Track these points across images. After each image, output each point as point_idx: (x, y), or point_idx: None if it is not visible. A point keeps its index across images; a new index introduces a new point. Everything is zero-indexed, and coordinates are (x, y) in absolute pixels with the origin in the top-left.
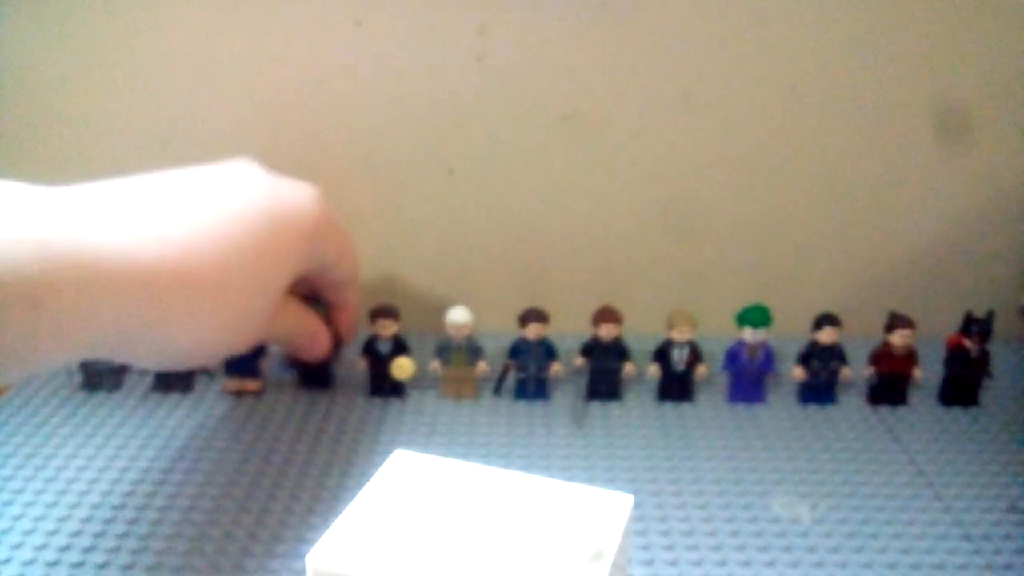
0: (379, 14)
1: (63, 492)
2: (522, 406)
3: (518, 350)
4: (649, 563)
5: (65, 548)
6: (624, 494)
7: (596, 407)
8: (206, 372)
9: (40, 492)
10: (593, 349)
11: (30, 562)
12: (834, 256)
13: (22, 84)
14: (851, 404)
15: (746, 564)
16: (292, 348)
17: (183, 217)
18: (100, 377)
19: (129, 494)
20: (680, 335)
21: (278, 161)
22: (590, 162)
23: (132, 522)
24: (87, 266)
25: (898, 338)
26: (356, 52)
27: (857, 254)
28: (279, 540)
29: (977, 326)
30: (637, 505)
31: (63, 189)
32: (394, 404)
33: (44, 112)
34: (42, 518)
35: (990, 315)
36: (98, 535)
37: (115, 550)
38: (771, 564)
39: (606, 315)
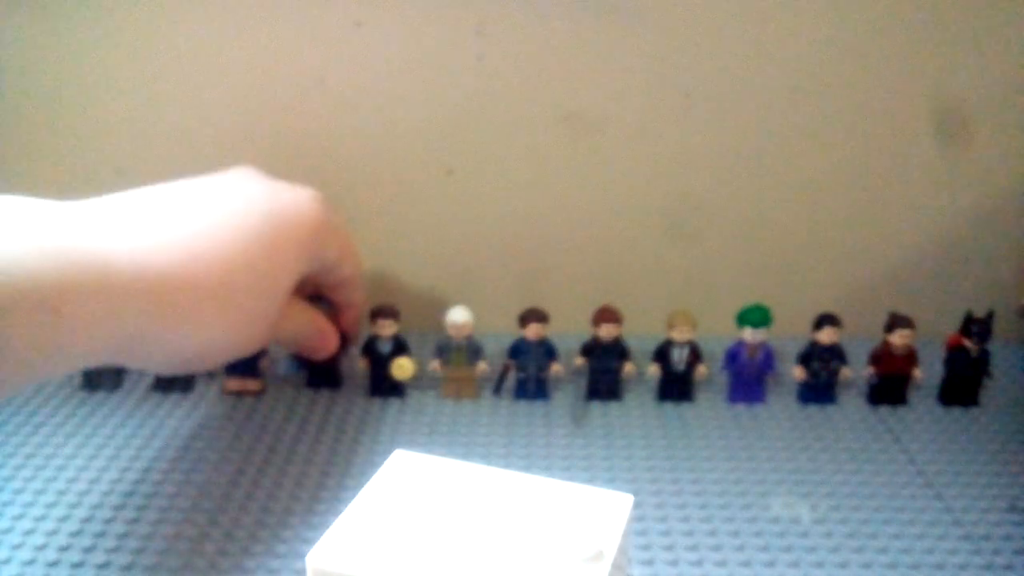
0: (379, 14)
1: (63, 492)
2: (522, 406)
3: (518, 350)
4: (649, 563)
5: (65, 548)
6: (624, 494)
7: (596, 407)
8: (206, 372)
9: (40, 492)
10: (593, 349)
11: (30, 562)
12: (834, 256)
13: (22, 84)
14: (851, 404)
15: (746, 564)
16: (301, 348)
17: (189, 224)
18: (100, 377)
19: (129, 494)
20: (680, 335)
21: (278, 161)
22: (590, 162)
23: (132, 522)
24: (101, 273)
25: (898, 338)
26: (356, 52)
27: (857, 254)
28: (279, 540)
29: (977, 326)
30: (637, 505)
31: (77, 202)
32: (394, 404)
33: (44, 112)
34: (42, 518)
35: (990, 315)
36: (98, 535)
37: (115, 550)
38: (771, 564)
39: (606, 315)
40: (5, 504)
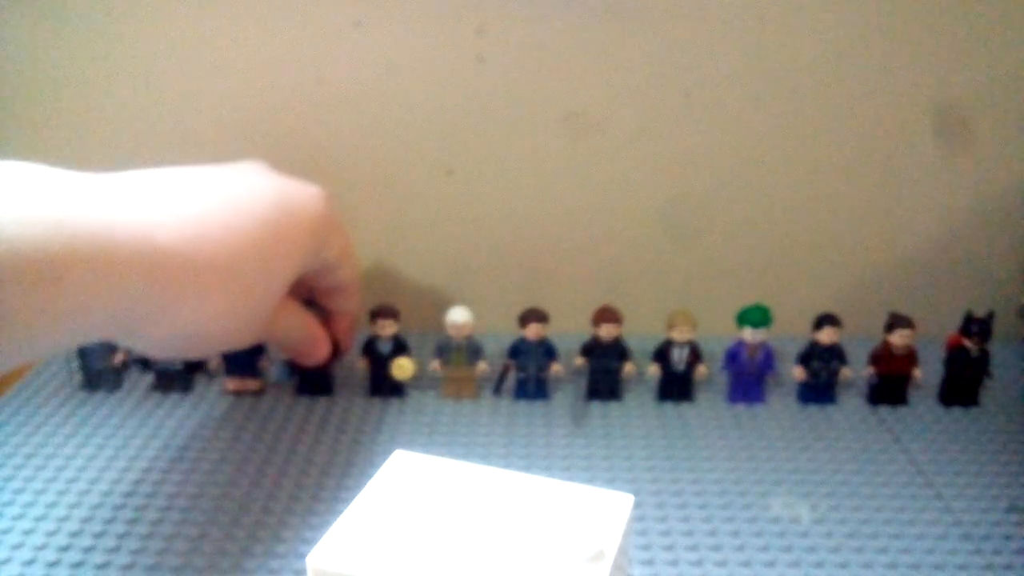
0: (379, 14)
1: (63, 492)
2: (522, 406)
3: (518, 350)
4: (649, 563)
5: (65, 548)
6: (624, 494)
7: (596, 407)
8: (206, 372)
9: (40, 492)
10: (593, 349)
11: (30, 562)
12: (834, 256)
13: (22, 84)
14: (851, 404)
15: (746, 564)
16: (291, 351)
17: (195, 203)
18: (100, 377)
19: (129, 494)
20: (680, 335)
21: (278, 161)
22: (590, 162)
23: (132, 522)
24: (105, 244)
25: (898, 338)
26: (356, 52)
27: (857, 254)
28: (279, 540)
29: (977, 326)
30: (637, 505)
31: (86, 174)
32: (394, 404)
33: (44, 112)
34: (42, 518)
35: (990, 315)
36: (98, 535)
37: (115, 550)
38: (771, 564)
39: (606, 315)
40: (5, 504)
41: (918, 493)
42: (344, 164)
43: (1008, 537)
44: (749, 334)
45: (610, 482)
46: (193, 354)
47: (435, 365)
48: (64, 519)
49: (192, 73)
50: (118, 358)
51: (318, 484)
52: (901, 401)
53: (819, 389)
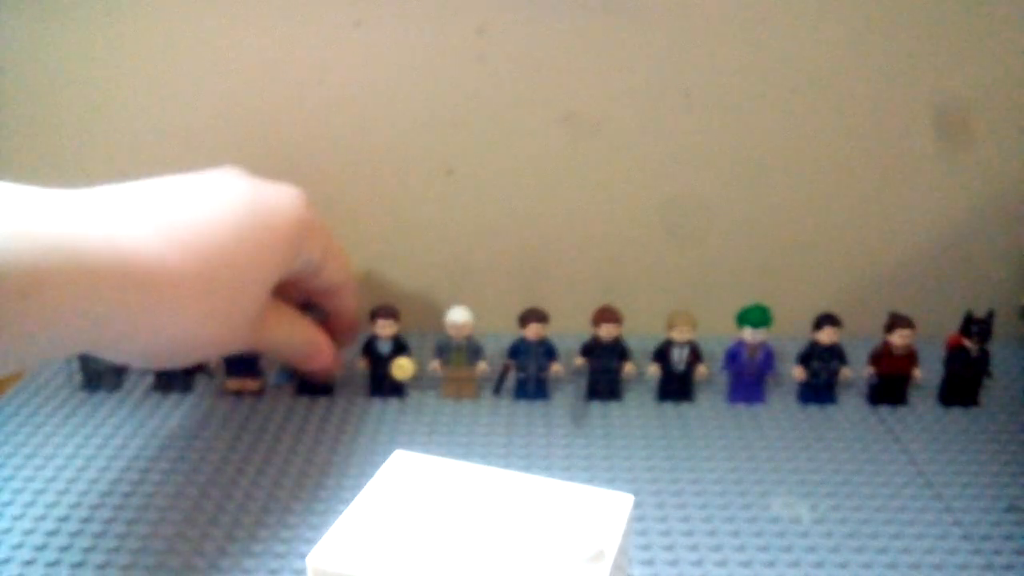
0: (379, 14)
1: (63, 492)
2: (522, 406)
3: (518, 350)
4: (649, 563)
5: (65, 548)
6: (624, 494)
7: (596, 407)
8: (206, 372)
9: (40, 492)
10: (593, 349)
11: (30, 562)
12: (834, 256)
13: (21, 85)
14: (851, 404)
15: (746, 564)
16: (292, 359)
17: (167, 213)
18: (100, 377)
19: (129, 494)
20: (680, 335)
21: (277, 161)
22: (590, 162)
23: (132, 522)
24: (75, 258)
25: (898, 338)
26: (356, 52)
27: (857, 254)
28: (279, 540)
29: (977, 326)
30: (637, 505)
31: (54, 190)
32: (394, 404)
33: (42, 112)
34: (42, 518)
35: (990, 315)
36: (98, 535)
37: (115, 550)
38: (771, 564)
39: (606, 315)
40: (5, 504)
41: (918, 493)
42: (344, 164)
43: (1008, 537)
44: (749, 334)
45: (610, 482)
46: (176, 363)
47: (435, 365)
48: (64, 519)
49: (191, 73)
50: None
51: (318, 484)
52: (901, 401)
53: (819, 389)
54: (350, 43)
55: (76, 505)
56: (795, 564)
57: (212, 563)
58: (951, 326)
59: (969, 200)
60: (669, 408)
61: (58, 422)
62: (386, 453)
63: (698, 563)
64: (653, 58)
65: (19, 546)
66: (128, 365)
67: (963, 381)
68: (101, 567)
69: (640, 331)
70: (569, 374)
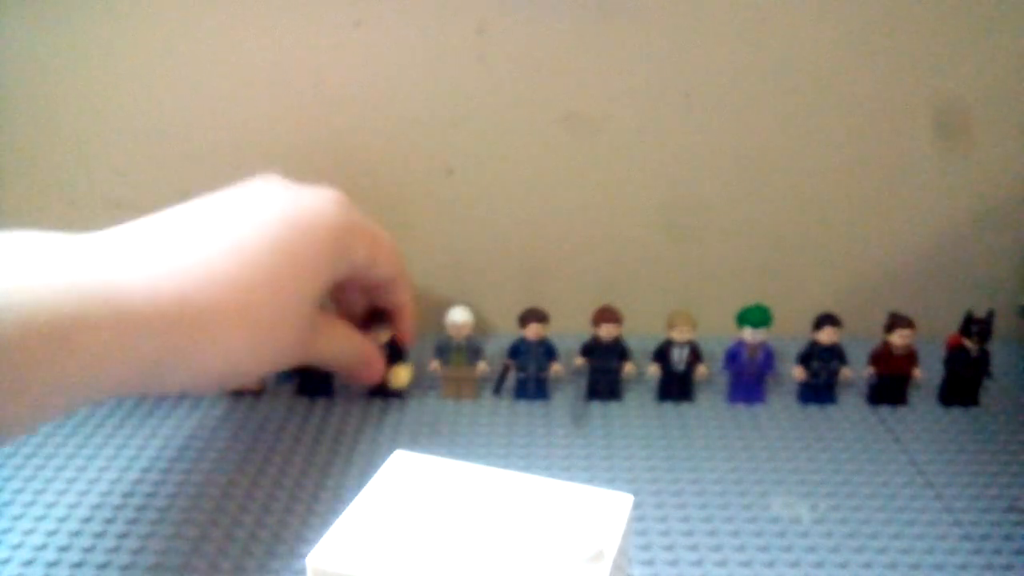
0: (379, 14)
1: (63, 492)
2: (522, 406)
3: (518, 350)
4: (649, 563)
5: (65, 548)
6: (624, 494)
7: (596, 407)
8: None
9: (40, 492)
10: (593, 349)
11: (30, 562)
12: (834, 256)
13: (21, 85)
14: (851, 404)
15: (746, 564)
16: (344, 371)
17: (201, 247)
18: None
19: (129, 494)
20: (680, 335)
21: (277, 161)
22: (590, 162)
23: (132, 522)
24: (113, 303)
25: (898, 338)
26: (356, 52)
27: (857, 254)
28: (279, 540)
29: (977, 326)
30: (637, 505)
31: (87, 235)
32: (394, 404)
33: (44, 115)
34: (42, 518)
35: (990, 315)
36: (98, 535)
37: (115, 550)
38: (771, 564)
39: (606, 315)
40: (5, 504)
41: (918, 493)
42: (344, 164)
43: (1008, 537)
44: (749, 334)
45: (610, 482)
46: (229, 385)
47: (435, 365)
48: (64, 519)
49: (191, 73)
50: None
51: (318, 484)
52: (901, 401)
53: (819, 389)
54: (350, 43)
55: (76, 505)
56: (795, 564)
57: (212, 563)
58: (951, 326)
59: (969, 200)
60: (669, 408)
61: (58, 422)
62: (386, 453)
63: (698, 563)
64: (653, 58)
65: (19, 546)
66: (176, 395)
67: (963, 381)
68: (101, 567)
69: (640, 331)
70: (569, 374)
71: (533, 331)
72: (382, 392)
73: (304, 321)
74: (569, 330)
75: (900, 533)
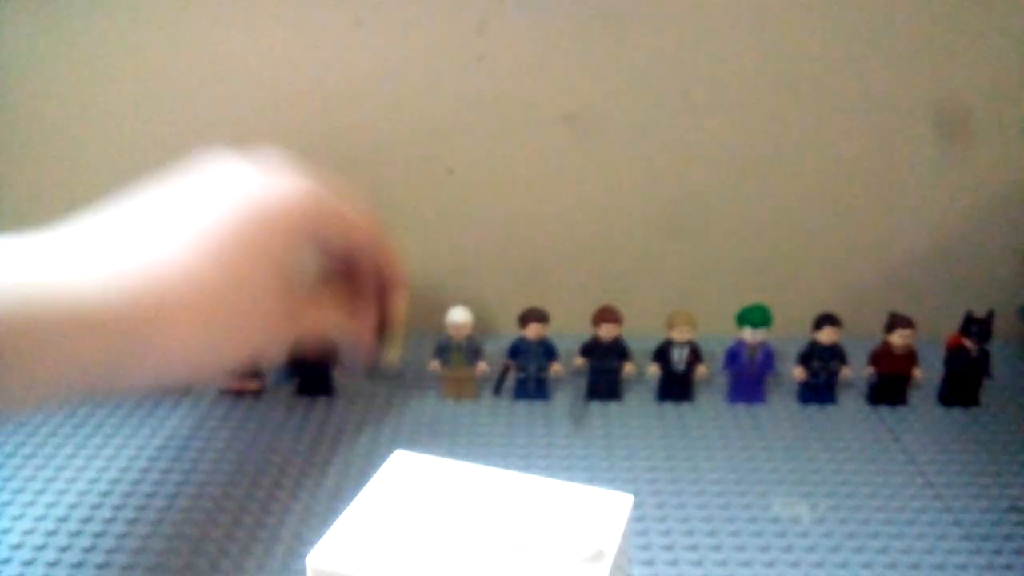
0: (379, 14)
1: (63, 492)
2: (522, 406)
3: (518, 350)
4: (649, 563)
5: (65, 548)
6: (624, 494)
7: (596, 407)
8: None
9: (40, 492)
10: (593, 349)
11: (30, 562)
12: (834, 256)
13: (21, 86)
14: (851, 404)
15: (746, 564)
16: (336, 350)
17: (157, 244)
18: None
19: (129, 494)
20: (680, 335)
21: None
22: (590, 162)
23: (132, 522)
24: (60, 306)
25: (898, 338)
26: (356, 52)
27: (857, 254)
28: (279, 540)
29: (977, 326)
30: (637, 505)
31: (30, 236)
32: (394, 404)
33: (43, 113)
34: (42, 518)
35: (990, 315)
36: (98, 535)
37: (115, 550)
38: (771, 564)
39: (606, 315)
40: (5, 504)
41: (918, 493)
42: (344, 164)
43: (1008, 537)
44: (749, 334)
45: (610, 482)
46: (197, 381)
47: (435, 365)
48: (64, 519)
49: (191, 72)
50: None
51: (318, 484)
52: (901, 401)
53: (819, 389)
54: (351, 43)
55: (76, 505)
56: (795, 564)
57: (212, 563)
58: (951, 326)
59: (969, 200)
60: (669, 408)
61: (58, 422)
62: (386, 453)
63: (698, 563)
64: (652, 58)
65: (19, 546)
66: (143, 394)
67: (963, 381)
68: (101, 567)
69: (640, 331)
70: (569, 374)
71: (533, 331)
72: (378, 374)
73: (271, 315)
74: (569, 330)
75: (900, 533)
